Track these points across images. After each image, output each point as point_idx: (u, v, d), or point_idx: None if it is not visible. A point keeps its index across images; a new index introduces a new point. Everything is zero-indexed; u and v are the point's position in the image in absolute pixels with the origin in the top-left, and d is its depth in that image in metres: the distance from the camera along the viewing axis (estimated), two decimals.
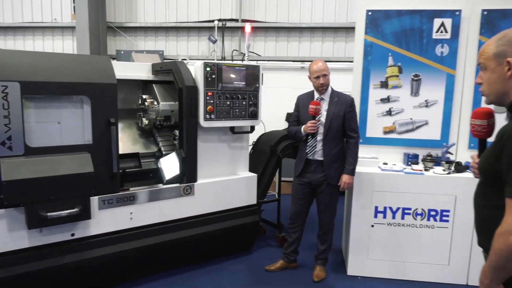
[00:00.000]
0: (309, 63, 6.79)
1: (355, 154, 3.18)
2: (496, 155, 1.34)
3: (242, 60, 6.77)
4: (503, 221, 1.28)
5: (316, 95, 3.26)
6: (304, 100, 3.31)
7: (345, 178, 3.16)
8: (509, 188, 1.27)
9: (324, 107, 3.21)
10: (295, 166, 3.38)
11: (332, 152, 3.19)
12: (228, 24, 6.83)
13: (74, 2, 6.94)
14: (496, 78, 1.42)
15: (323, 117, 3.19)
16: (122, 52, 7.01)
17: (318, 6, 6.75)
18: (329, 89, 3.24)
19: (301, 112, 3.31)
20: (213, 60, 6.81)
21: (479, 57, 1.48)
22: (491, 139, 1.50)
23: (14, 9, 7.41)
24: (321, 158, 3.21)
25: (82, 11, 6.63)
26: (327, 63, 6.64)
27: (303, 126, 3.20)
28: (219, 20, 6.86)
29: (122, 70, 3.35)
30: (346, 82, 4.95)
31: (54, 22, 7.36)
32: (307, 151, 3.24)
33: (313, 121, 3.14)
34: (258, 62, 6.79)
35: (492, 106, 1.55)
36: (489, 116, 1.57)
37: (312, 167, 3.24)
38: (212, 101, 3.24)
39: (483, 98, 1.53)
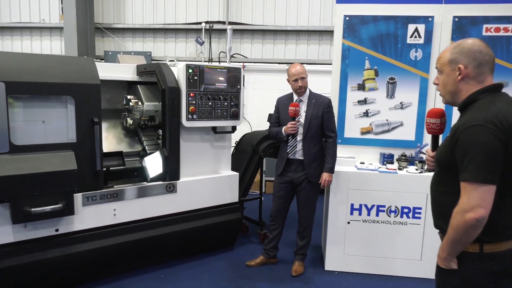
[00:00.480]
0: None
1: (333, 152, 3.31)
2: (451, 147, 1.53)
3: (229, 61, 6.88)
4: (460, 202, 1.48)
5: (295, 97, 3.39)
6: (284, 102, 3.44)
7: (325, 176, 3.29)
8: (463, 174, 1.47)
9: (303, 108, 3.34)
10: (276, 166, 3.50)
11: (311, 152, 3.32)
12: (215, 26, 6.94)
13: (62, 3, 6.99)
14: (449, 81, 1.63)
15: (302, 118, 3.32)
16: (110, 53, 7.08)
17: (303, 9, 6.90)
18: (307, 91, 3.37)
19: (281, 113, 3.44)
20: (201, 61, 6.92)
21: (437, 62, 1.69)
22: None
23: (2, 9, 7.42)
24: (301, 158, 3.33)
25: (70, 12, 6.68)
26: (313, 65, 6.82)
27: (284, 127, 3.33)
28: (207, 22, 6.97)
29: (108, 71, 3.44)
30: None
31: (42, 22, 7.39)
32: (288, 151, 3.37)
33: (293, 122, 3.26)
34: (245, 64, 6.92)
35: None
36: (442, 116, 1.79)
37: (293, 166, 3.37)
38: (194, 102, 3.35)
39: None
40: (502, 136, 1.44)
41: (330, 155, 3.30)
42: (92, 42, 7.09)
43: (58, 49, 7.45)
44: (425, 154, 3.58)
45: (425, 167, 3.44)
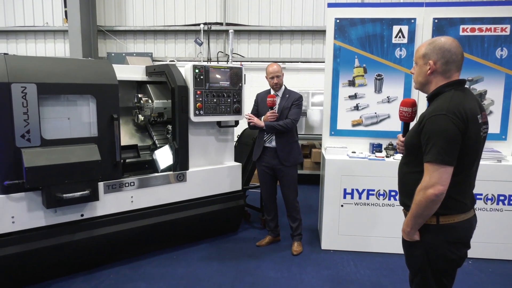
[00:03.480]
0: (290, 63, 7.33)
1: (282, 123, 3.62)
2: (419, 132, 1.77)
3: (227, 61, 7.22)
4: (422, 180, 1.72)
5: (272, 92, 3.80)
6: (263, 97, 3.86)
7: (261, 121, 3.70)
8: (426, 156, 1.70)
9: (278, 101, 3.76)
10: (254, 152, 3.94)
11: (283, 138, 3.71)
12: (213, 27, 7.28)
13: (65, 7, 7.29)
14: (421, 73, 1.86)
15: (276, 109, 3.73)
16: (112, 54, 7.39)
17: (297, 10, 7.26)
18: (283, 87, 3.80)
19: (260, 106, 3.87)
20: (200, 61, 7.26)
21: (415, 54, 1.93)
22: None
23: (7, 13, 7.70)
24: (276, 145, 3.73)
25: (74, 15, 7.00)
26: (306, 63, 7.17)
27: (263, 117, 3.72)
28: (205, 23, 7.30)
29: (119, 72, 3.72)
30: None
31: (46, 26, 7.68)
32: (264, 138, 3.79)
33: (272, 111, 3.67)
34: (242, 63, 7.26)
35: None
36: (413, 105, 2.06)
37: (270, 153, 3.78)
38: (200, 99, 3.69)
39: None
40: (461, 124, 1.66)
41: (279, 123, 3.62)
42: (95, 44, 7.41)
43: (62, 51, 7.75)
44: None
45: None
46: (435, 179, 1.67)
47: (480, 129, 1.77)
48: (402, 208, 2.01)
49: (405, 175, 1.94)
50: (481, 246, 3.66)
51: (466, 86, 1.87)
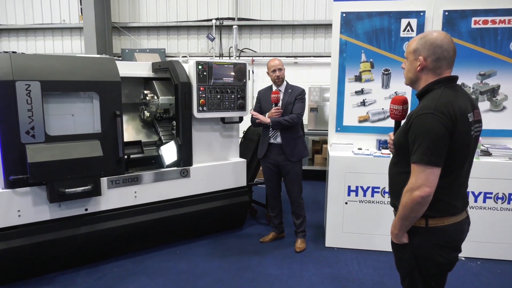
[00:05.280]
0: (302, 58, 7.24)
1: (288, 118, 3.58)
2: (406, 132, 1.71)
3: (239, 57, 7.22)
4: (409, 182, 1.66)
5: (274, 88, 3.76)
6: (265, 93, 3.83)
7: (266, 118, 3.63)
8: (413, 157, 1.64)
9: (281, 97, 3.72)
10: (259, 150, 3.90)
11: (288, 134, 3.68)
12: (225, 22, 7.26)
13: (81, 4, 7.42)
14: (411, 69, 1.79)
15: (280, 105, 3.69)
16: (126, 50, 7.49)
17: (309, 4, 7.16)
18: (284, 82, 3.76)
19: (262, 103, 3.83)
20: (212, 56, 7.27)
21: (406, 49, 1.85)
22: None
23: (25, 11, 7.91)
24: (281, 141, 3.70)
25: (89, 12, 7.12)
26: (319, 58, 7.10)
27: (268, 114, 3.68)
28: (217, 19, 7.30)
29: (126, 69, 3.81)
30: None
31: (63, 23, 7.85)
32: (270, 135, 3.75)
33: (276, 107, 3.63)
34: (254, 58, 7.24)
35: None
36: (404, 103, 1.99)
37: (275, 149, 3.74)
38: (204, 95, 3.70)
39: None
40: (448, 123, 1.59)
41: (285, 118, 3.59)
42: (109, 40, 7.52)
43: (78, 48, 7.90)
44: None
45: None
46: (421, 181, 1.61)
47: (470, 128, 1.70)
48: (393, 209, 1.95)
49: (395, 175, 1.88)
50: (490, 246, 3.55)
51: (458, 83, 1.79)
